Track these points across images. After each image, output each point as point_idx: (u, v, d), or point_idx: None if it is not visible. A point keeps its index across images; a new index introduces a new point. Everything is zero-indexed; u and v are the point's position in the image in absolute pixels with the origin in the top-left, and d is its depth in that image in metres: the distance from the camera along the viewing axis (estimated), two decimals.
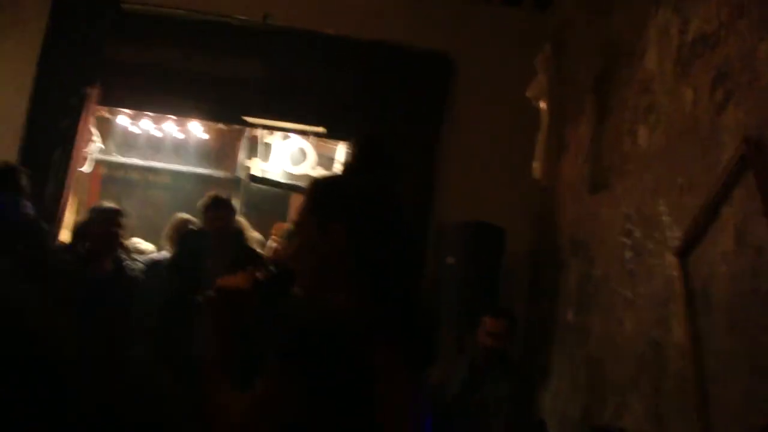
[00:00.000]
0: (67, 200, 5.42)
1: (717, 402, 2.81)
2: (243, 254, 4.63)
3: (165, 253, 5.13)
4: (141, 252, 5.42)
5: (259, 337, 2.18)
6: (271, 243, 5.52)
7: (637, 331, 3.65)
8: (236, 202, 6.34)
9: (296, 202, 6.98)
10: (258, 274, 1.84)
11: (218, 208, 4.72)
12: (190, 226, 5.08)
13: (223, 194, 4.87)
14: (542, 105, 4.94)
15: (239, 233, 4.90)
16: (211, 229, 4.71)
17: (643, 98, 3.93)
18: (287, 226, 5.49)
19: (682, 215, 3.30)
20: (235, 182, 6.34)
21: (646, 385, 3.47)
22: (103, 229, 4.47)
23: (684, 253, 3.20)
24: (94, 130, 5.70)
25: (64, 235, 5.44)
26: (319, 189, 1.85)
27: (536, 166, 5.06)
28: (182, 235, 4.94)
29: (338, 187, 1.87)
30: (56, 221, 5.30)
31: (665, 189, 3.49)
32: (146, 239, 5.71)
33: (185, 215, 5.28)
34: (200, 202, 4.83)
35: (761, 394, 2.53)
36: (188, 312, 4.51)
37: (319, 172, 6.43)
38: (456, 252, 5.48)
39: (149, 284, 4.73)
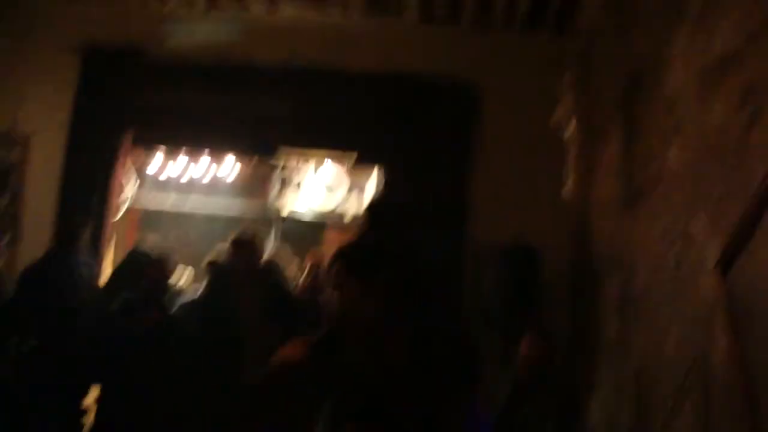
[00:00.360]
0: (106, 246, 5.55)
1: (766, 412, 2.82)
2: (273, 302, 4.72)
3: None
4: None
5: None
6: (306, 274, 5.57)
7: (683, 343, 3.66)
8: (270, 239, 6.46)
9: (330, 234, 7.07)
10: (310, 339, 1.88)
11: (240, 249, 4.83)
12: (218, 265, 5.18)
13: (247, 234, 4.96)
14: (570, 127, 5.00)
15: (267, 273, 4.99)
16: (236, 269, 4.82)
17: (670, 118, 3.98)
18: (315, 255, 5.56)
19: (719, 230, 3.33)
20: (269, 221, 6.44)
21: (692, 403, 3.48)
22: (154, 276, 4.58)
23: (724, 268, 3.22)
24: (129, 175, 5.84)
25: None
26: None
27: (567, 189, 5.10)
28: (211, 275, 5.05)
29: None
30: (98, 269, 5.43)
31: (700, 204, 3.52)
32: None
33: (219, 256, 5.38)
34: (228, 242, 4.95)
35: None
36: (220, 352, 4.61)
37: (351, 203, 6.51)
38: (493, 276, 5.54)
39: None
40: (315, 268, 5.38)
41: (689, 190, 3.68)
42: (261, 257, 5.01)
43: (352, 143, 5.75)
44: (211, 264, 5.32)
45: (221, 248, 5.24)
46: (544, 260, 5.38)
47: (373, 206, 4.12)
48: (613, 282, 4.77)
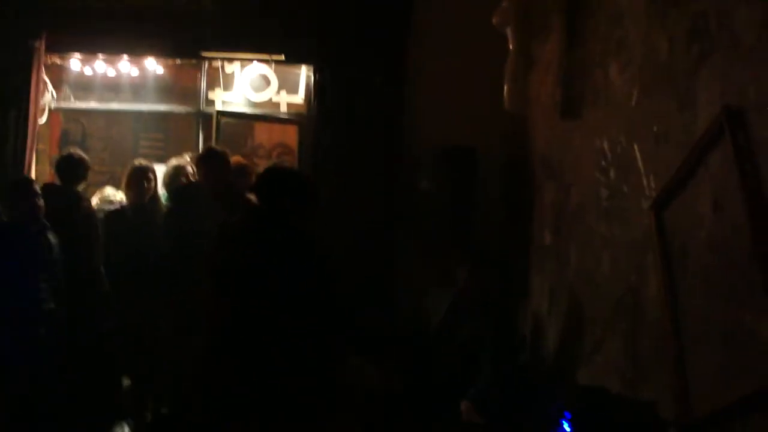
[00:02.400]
0: (31, 157, 5.29)
1: (693, 361, 2.90)
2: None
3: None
4: (110, 203, 5.35)
5: None
6: None
7: (615, 273, 3.71)
8: (200, 136, 6.23)
9: (260, 130, 6.86)
10: None
11: (214, 163, 4.67)
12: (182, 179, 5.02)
13: (215, 149, 4.78)
14: (509, 30, 4.81)
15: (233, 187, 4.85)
16: (206, 184, 4.67)
17: (615, 31, 3.84)
18: (240, 160, 5.40)
19: (657, 165, 3.29)
20: (198, 116, 6.18)
21: (623, 326, 3.57)
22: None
23: (660, 206, 3.21)
24: (46, 80, 5.50)
25: None
26: None
27: (506, 91, 4.98)
28: (175, 191, 4.89)
29: None
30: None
31: (640, 135, 3.46)
32: (112, 185, 5.61)
33: (142, 161, 5.17)
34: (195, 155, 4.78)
35: (734, 366, 2.61)
36: (187, 267, 4.55)
37: (284, 97, 6.28)
38: (430, 176, 5.49)
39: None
40: (238, 172, 5.20)
41: (629, 118, 3.61)
42: (228, 173, 4.83)
43: (281, 47, 5.46)
44: (174, 171, 5.16)
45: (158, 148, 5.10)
46: (481, 163, 5.33)
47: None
48: (549, 190, 4.77)
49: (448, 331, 4.32)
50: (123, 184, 5.12)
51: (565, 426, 2.69)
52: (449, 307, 4.38)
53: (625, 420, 2.71)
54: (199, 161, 4.83)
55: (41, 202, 4.48)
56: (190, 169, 5.12)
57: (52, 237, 4.56)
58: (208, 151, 4.92)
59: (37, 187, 4.54)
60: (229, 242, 3.50)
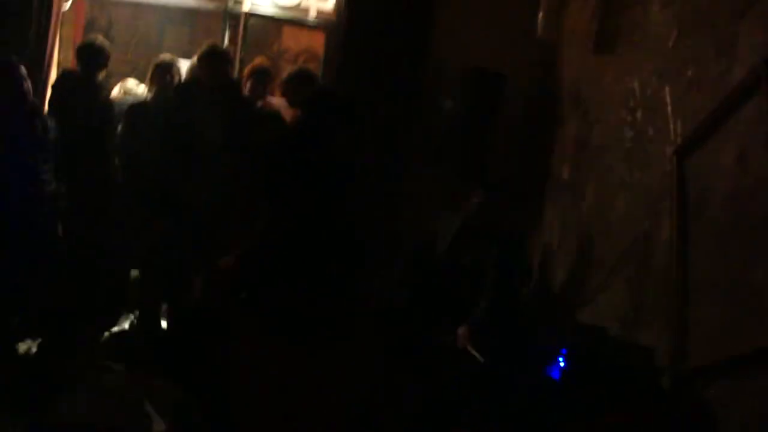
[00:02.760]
0: (54, 42, 5.22)
1: (697, 313, 2.90)
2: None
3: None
4: (131, 95, 5.30)
5: None
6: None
7: (629, 215, 3.68)
8: (227, 35, 6.13)
9: (287, 35, 6.73)
10: None
11: (215, 61, 4.59)
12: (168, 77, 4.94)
13: (219, 44, 4.70)
14: None
15: (235, 87, 4.80)
16: (208, 81, 4.61)
17: None
18: (262, 61, 5.32)
19: (686, 111, 3.22)
20: (226, 14, 6.05)
21: (631, 270, 3.56)
22: None
23: (683, 154, 3.15)
24: None
25: (54, 75, 5.29)
26: None
27: (540, 17, 4.85)
28: (177, 88, 4.82)
29: None
30: (44, 64, 5.15)
31: (673, 78, 3.37)
32: (136, 77, 5.55)
33: (167, 56, 5.09)
34: (198, 51, 4.70)
35: (735, 323, 2.60)
36: (183, 165, 4.55)
37: (313, 2, 6.13)
38: (454, 97, 5.40)
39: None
40: (260, 73, 5.12)
41: (662, 59, 3.51)
42: (229, 72, 4.78)
43: None
44: (164, 65, 5.09)
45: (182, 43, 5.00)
46: (507, 89, 5.22)
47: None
48: (572, 125, 4.69)
49: (454, 255, 4.32)
50: (147, 79, 5.07)
51: (560, 361, 2.71)
52: (458, 231, 4.36)
53: (621, 362, 2.73)
54: (201, 58, 4.75)
55: (27, 84, 4.40)
56: (178, 66, 5.03)
57: (48, 119, 4.52)
58: (211, 48, 4.83)
59: (23, 70, 4.43)
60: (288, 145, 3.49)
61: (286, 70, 5.78)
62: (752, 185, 2.62)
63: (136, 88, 5.31)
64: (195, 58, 5.00)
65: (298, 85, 4.77)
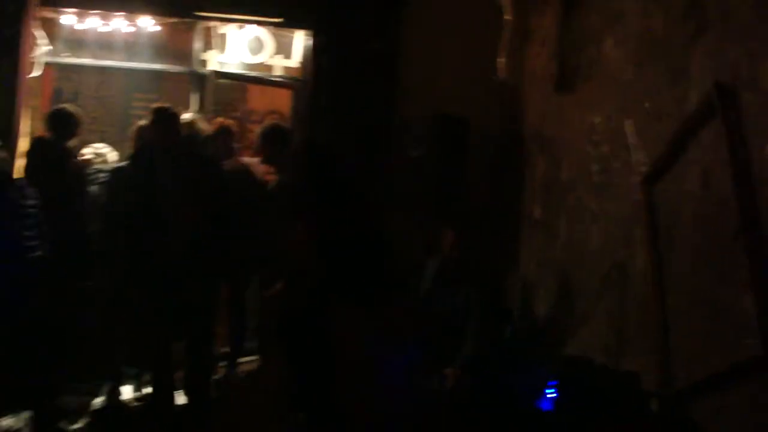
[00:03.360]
0: (21, 109, 5.25)
1: (677, 336, 2.96)
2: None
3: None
4: (102, 159, 5.34)
5: None
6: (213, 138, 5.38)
7: (604, 247, 3.75)
8: (194, 97, 6.20)
9: (253, 95, 6.83)
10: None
11: (165, 122, 4.65)
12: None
13: (167, 107, 4.75)
14: (506, 1, 4.82)
15: (187, 144, 4.85)
16: (159, 144, 4.66)
17: (612, 5, 3.85)
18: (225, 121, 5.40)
19: (648, 141, 3.33)
20: (192, 76, 6.14)
21: (610, 300, 3.62)
22: None
23: (650, 181, 3.25)
24: (39, 33, 5.42)
25: (23, 144, 5.31)
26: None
27: (500, 62, 4.99)
28: (135, 151, 4.89)
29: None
30: (12, 132, 5.18)
31: (633, 110, 3.49)
32: (105, 141, 5.59)
33: (143, 122, 5.16)
34: (148, 115, 4.77)
35: (715, 339, 2.67)
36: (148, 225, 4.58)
37: (278, 61, 6.25)
38: (420, 144, 5.48)
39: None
40: (224, 133, 5.20)
41: (622, 92, 3.64)
42: (180, 131, 4.83)
43: (278, 9, 5.42)
44: (139, 130, 5.17)
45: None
46: (472, 133, 5.33)
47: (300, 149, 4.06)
48: (540, 163, 4.79)
49: (434, 298, 4.36)
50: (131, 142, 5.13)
51: (551, 393, 2.75)
52: (435, 275, 4.42)
53: (609, 389, 2.77)
54: (152, 121, 4.80)
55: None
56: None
57: (26, 187, 4.53)
58: (160, 110, 4.87)
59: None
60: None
61: (254, 130, 5.87)
62: (717, 206, 2.71)
63: (106, 151, 5.36)
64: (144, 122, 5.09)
65: (274, 141, 4.86)
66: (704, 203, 2.81)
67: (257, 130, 5.45)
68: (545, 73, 4.70)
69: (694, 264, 2.89)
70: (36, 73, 5.51)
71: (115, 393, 5.21)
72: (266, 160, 4.97)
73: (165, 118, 4.67)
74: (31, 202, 4.50)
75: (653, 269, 3.17)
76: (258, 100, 6.82)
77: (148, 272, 4.65)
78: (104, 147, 5.45)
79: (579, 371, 2.93)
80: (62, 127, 5.02)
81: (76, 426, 4.85)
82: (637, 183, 3.32)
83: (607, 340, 3.57)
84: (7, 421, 4.68)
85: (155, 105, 4.89)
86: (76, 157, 5.21)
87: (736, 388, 2.48)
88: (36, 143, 5.17)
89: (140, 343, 5.13)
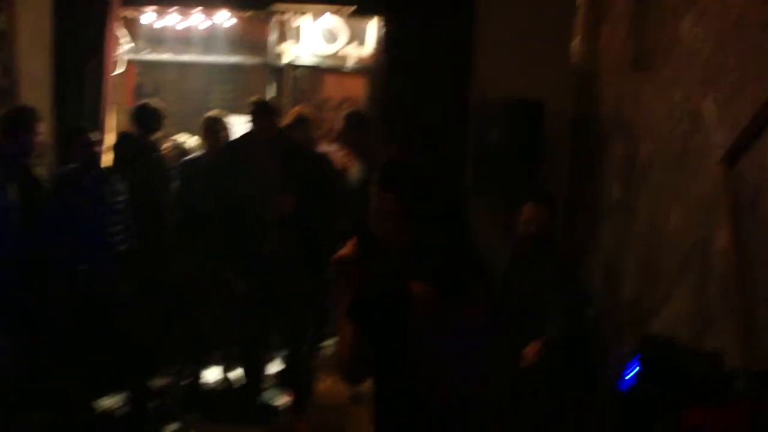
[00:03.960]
0: (106, 107, 5.48)
1: (761, 313, 2.92)
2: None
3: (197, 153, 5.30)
4: (183, 150, 5.54)
5: None
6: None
7: (684, 226, 3.71)
8: (270, 88, 6.35)
9: (329, 84, 6.94)
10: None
11: (262, 114, 4.80)
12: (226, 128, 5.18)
13: (265, 97, 4.92)
14: None
15: (283, 135, 5.00)
16: (260, 135, 4.82)
17: None
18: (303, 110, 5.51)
19: (729, 119, 3.27)
20: (268, 68, 6.29)
21: (692, 281, 3.58)
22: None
23: (731, 159, 3.20)
24: (121, 32, 5.65)
25: (109, 140, 5.55)
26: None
27: (575, 44, 4.95)
28: (230, 143, 5.07)
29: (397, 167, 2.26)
30: (99, 129, 5.41)
31: (713, 88, 3.43)
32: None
33: (215, 112, 5.33)
34: (247, 108, 4.91)
35: None
36: (240, 218, 4.75)
37: (352, 49, 6.33)
38: (496, 129, 5.49)
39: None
40: (303, 121, 5.32)
41: (702, 69, 3.58)
42: (276, 122, 4.99)
43: None
44: (212, 121, 5.34)
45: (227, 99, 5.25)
46: (549, 116, 5.31)
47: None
48: (618, 145, 4.74)
49: (511, 278, 4.38)
50: (200, 134, 5.31)
51: (632, 372, 2.75)
52: (513, 253, 4.43)
53: (693, 368, 2.75)
54: (251, 113, 4.96)
55: (98, 148, 4.64)
56: (226, 120, 5.26)
57: (117, 182, 4.73)
58: (257, 103, 5.05)
59: (91, 136, 4.69)
60: None
61: (330, 118, 5.98)
62: None
63: (186, 140, 5.56)
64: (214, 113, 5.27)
65: (357, 125, 4.97)
66: None
67: (338, 116, 5.58)
68: (621, 53, 4.65)
69: None
70: (119, 70, 5.75)
71: (201, 376, 5.43)
72: (348, 145, 5.09)
73: (265, 111, 4.85)
74: (120, 198, 4.72)
75: (733, 249, 3.12)
76: (333, 88, 6.94)
77: (248, 258, 4.85)
78: (188, 136, 5.67)
79: (661, 350, 2.91)
80: (146, 122, 5.24)
81: (166, 407, 5.09)
82: (718, 161, 3.26)
83: (690, 320, 3.53)
84: (105, 402, 4.94)
85: (254, 98, 5.07)
86: (160, 150, 5.42)
87: None
88: (122, 138, 5.40)
89: (234, 327, 5.35)
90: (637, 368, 2.75)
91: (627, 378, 2.83)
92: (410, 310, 2.02)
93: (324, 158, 5.15)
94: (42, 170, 4.80)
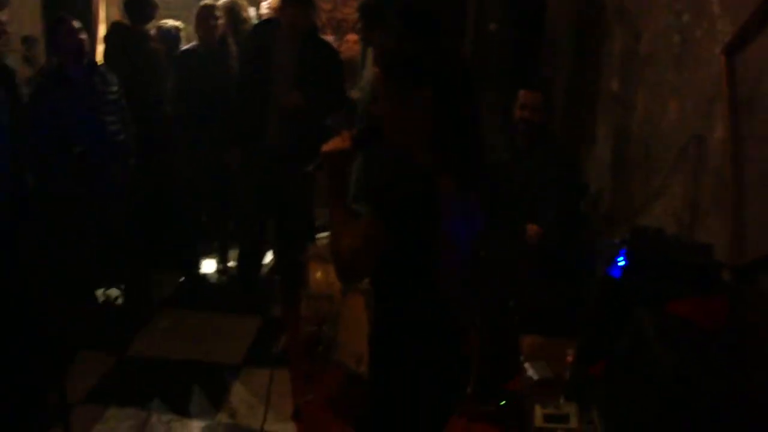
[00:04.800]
0: None
1: (751, 208, 2.95)
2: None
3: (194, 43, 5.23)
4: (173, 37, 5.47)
5: None
6: None
7: (682, 120, 3.70)
8: None
9: None
10: (353, 133, 2.15)
11: (299, 5, 4.70)
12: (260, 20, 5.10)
13: None
14: None
15: (313, 30, 4.92)
16: (287, 24, 4.73)
17: None
18: None
19: (732, 9, 3.21)
20: None
21: (686, 173, 3.60)
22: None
23: (733, 51, 3.16)
24: None
25: (101, 30, 5.47)
26: (396, 56, 2.06)
27: None
28: (254, 28, 5.02)
29: (418, 54, 2.03)
30: (90, 19, 5.33)
31: None
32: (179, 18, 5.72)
33: (206, 2, 5.20)
34: None
35: None
36: (260, 103, 4.74)
37: None
38: (498, 18, 5.41)
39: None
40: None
41: None
42: (311, 16, 4.89)
43: None
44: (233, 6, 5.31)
45: None
46: (550, 5, 5.22)
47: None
48: (619, 36, 4.67)
49: (505, 169, 4.41)
50: (193, 25, 5.20)
51: (620, 260, 2.81)
52: (512, 139, 4.45)
53: (680, 259, 2.81)
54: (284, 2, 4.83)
55: (84, 36, 4.52)
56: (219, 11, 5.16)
57: (108, 73, 4.66)
58: None
59: (78, 24, 4.52)
60: None
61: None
62: None
63: (171, 24, 5.49)
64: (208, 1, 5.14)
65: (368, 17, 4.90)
66: None
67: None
68: None
69: None
70: None
71: (197, 266, 5.53)
72: (363, 37, 5.07)
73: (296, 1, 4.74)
74: (113, 88, 4.67)
75: (732, 140, 3.12)
76: None
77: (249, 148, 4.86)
78: (173, 22, 5.58)
79: (649, 240, 2.96)
80: (139, 12, 5.12)
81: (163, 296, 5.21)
82: (719, 53, 3.22)
83: (680, 213, 3.57)
84: (106, 292, 5.06)
85: None
86: (154, 41, 5.33)
87: None
88: (114, 28, 5.30)
89: (231, 218, 5.41)
90: (624, 258, 2.80)
91: (616, 266, 2.88)
92: (436, 202, 1.98)
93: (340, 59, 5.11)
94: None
